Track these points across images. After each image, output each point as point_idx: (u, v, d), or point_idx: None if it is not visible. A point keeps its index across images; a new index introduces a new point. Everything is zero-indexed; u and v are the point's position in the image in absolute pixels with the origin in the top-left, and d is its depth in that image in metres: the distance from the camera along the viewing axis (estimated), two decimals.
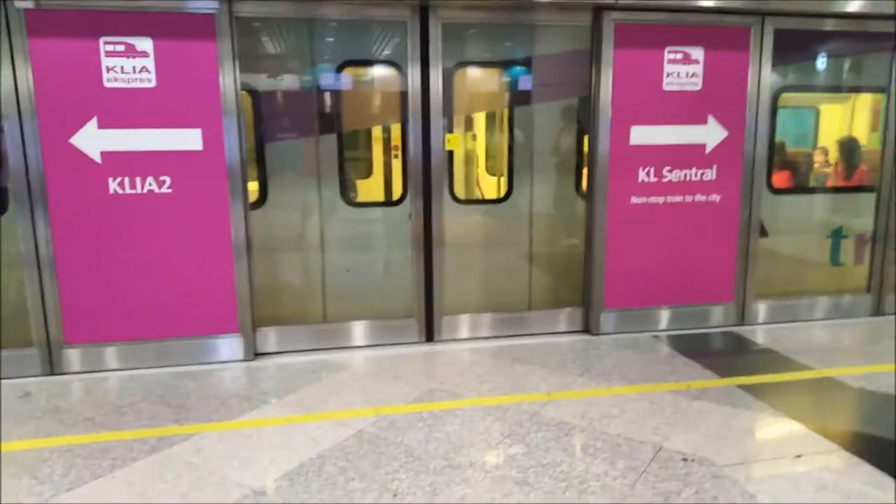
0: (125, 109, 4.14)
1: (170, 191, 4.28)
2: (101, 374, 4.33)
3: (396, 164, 5.13)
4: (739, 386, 4.11)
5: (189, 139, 4.25)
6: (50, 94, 4.04)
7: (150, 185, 4.25)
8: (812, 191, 5.83)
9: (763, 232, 5.37)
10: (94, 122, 4.11)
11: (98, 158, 4.15)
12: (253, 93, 4.60)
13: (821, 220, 5.69)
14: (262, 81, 4.66)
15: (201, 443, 3.39)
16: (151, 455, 3.26)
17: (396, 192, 5.04)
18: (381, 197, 5.50)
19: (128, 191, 4.22)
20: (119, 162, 4.19)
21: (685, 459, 3.21)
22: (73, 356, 4.35)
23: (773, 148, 5.32)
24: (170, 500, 2.87)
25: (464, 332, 5.06)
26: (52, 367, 4.33)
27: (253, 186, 4.64)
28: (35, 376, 4.29)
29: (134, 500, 2.87)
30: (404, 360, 4.65)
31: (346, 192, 4.97)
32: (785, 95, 5.35)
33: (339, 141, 4.85)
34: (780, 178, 5.62)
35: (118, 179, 4.20)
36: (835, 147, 5.85)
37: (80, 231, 4.21)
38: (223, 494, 2.91)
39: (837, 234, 5.64)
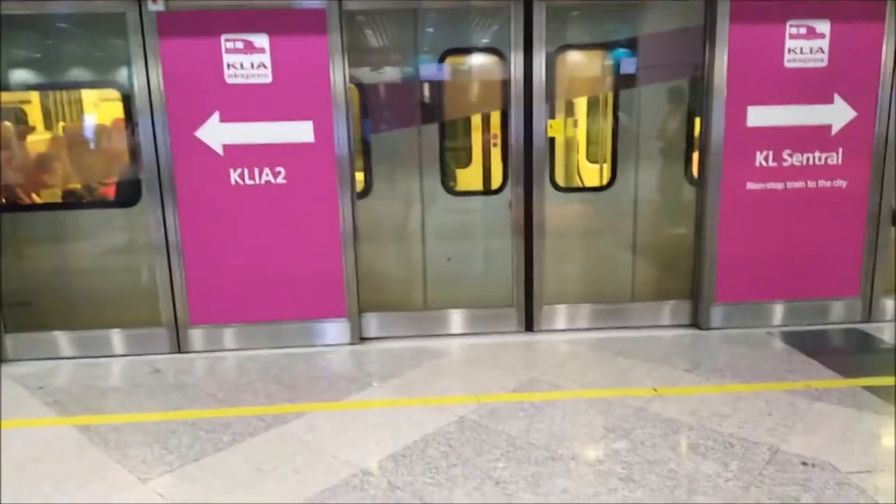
0: (245, 104, 4.38)
1: (284, 181, 4.50)
2: (221, 354, 4.65)
3: (496, 153, 5.13)
4: (865, 387, 3.82)
5: (302, 132, 4.44)
6: (178, 90, 4.34)
7: (266, 175, 4.48)
8: None
9: (895, 221, 4.92)
10: (216, 116, 4.38)
11: (220, 151, 4.43)
12: (359, 86, 4.72)
13: None
14: (367, 74, 4.78)
15: (312, 421, 3.57)
16: (267, 431, 3.47)
17: (496, 180, 5.04)
18: (480, 186, 5.51)
19: (247, 181, 4.47)
20: (239, 154, 4.44)
21: (805, 463, 3.02)
22: (196, 336, 4.68)
23: None
24: (284, 474, 3.04)
25: (563, 323, 4.99)
26: (178, 345, 4.69)
27: (358, 177, 4.79)
28: (163, 354, 4.66)
29: (252, 474, 3.06)
30: (503, 349, 4.66)
31: (447, 181, 5.01)
32: None
33: (440, 130, 4.90)
34: None
35: (238, 171, 4.46)
36: None
37: (204, 219, 4.52)
38: (333, 472, 3.05)
39: None
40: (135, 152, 4.51)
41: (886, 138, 4.72)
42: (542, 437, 3.34)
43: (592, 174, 5.91)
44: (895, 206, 4.87)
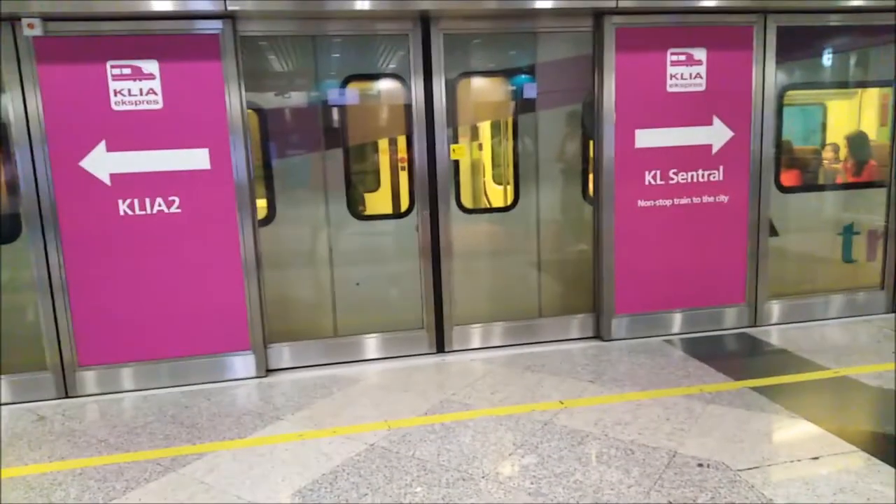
0: (133, 131, 4.19)
1: (179, 211, 4.32)
2: (115, 396, 4.36)
3: (403, 176, 5.15)
4: (753, 388, 4.07)
5: (197, 159, 4.29)
6: (59, 118, 4.11)
7: (159, 205, 4.29)
8: (821, 188, 5.78)
9: (773, 231, 5.32)
10: (102, 145, 4.16)
11: (108, 181, 4.20)
12: (259, 111, 4.64)
13: (831, 218, 5.63)
14: (268, 99, 4.70)
15: (214, 461, 3.40)
16: (165, 475, 3.27)
17: (404, 204, 5.06)
18: (389, 209, 5.51)
19: (138, 212, 4.27)
20: (128, 184, 4.23)
21: (700, 465, 3.17)
22: (87, 378, 4.38)
23: (781, 146, 5.29)
24: None
25: (475, 342, 5.05)
26: (66, 389, 4.37)
27: (261, 203, 4.68)
28: (50, 399, 4.33)
29: None
30: (416, 371, 4.64)
31: (354, 205, 4.98)
32: (791, 93, 5.32)
33: (345, 155, 4.88)
34: (789, 177, 5.58)
35: (128, 201, 4.24)
36: (843, 143, 5.80)
37: (91, 254, 4.26)
38: None
39: (849, 231, 5.58)
40: (12, 184, 4.20)
41: (761, 155, 5.12)
42: (453, 458, 3.33)
43: (499, 195, 6.04)
44: (771, 217, 5.27)
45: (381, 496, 3.01)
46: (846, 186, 5.75)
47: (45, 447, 3.66)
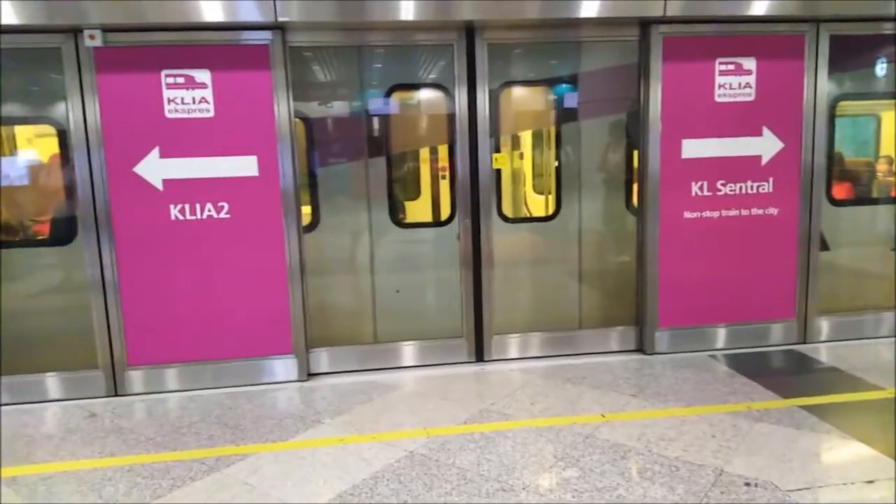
0: (185, 139, 4.32)
1: (228, 216, 4.42)
2: (161, 395, 4.48)
3: (444, 185, 5.17)
4: (803, 407, 3.95)
5: (246, 166, 4.40)
6: (115, 125, 4.26)
7: (209, 210, 4.40)
8: (875, 202, 5.59)
9: (824, 246, 5.16)
10: (156, 152, 4.30)
11: (160, 186, 4.33)
12: (306, 120, 4.72)
13: (885, 232, 5.43)
14: (313, 109, 4.78)
15: (257, 463, 3.46)
16: (209, 475, 3.34)
17: (445, 212, 5.08)
18: (429, 217, 5.53)
19: (188, 217, 4.39)
20: (180, 189, 4.36)
21: (748, 484, 3.09)
22: (135, 377, 4.51)
23: (832, 158, 5.14)
24: None
25: (514, 352, 5.02)
26: (115, 388, 4.50)
27: (306, 210, 4.75)
28: (100, 397, 4.46)
29: None
30: (454, 380, 4.64)
31: (396, 213, 5.03)
32: (843, 104, 5.17)
33: (388, 163, 4.92)
34: (841, 190, 5.41)
35: (179, 206, 4.37)
36: None
37: (143, 256, 4.39)
38: None
39: None
40: (70, 188, 4.37)
41: (813, 167, 4.98)
42: (493, 468, 3.32)
43: (540, 205, 6.01)
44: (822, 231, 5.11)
45: None
46: None
47: (96, 443, 3.78)
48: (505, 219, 4.99)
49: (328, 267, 4.89)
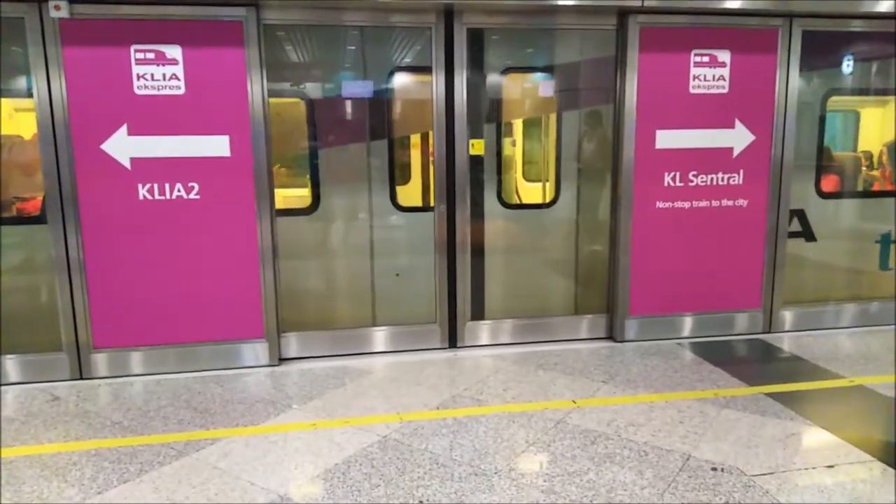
0: (155, 116, 4.20)
1: (198, 197, 4.33)
2: (128, 379, 4.39)
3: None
4: (768, 394, 4.04)
5: (217, 146, 4.30)
6: (82, 100, 4.12)
7: (178, 191, 4.30)
8: (861, 195, 5.76)
9: (810, 236, 5.28)
10: (124, 129, 4.17)
11: (128, 165, 4.22)
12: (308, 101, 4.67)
13: (867, 225, 5.57)
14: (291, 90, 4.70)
15: (227, 447, 3.42)
16: (178, 460, 3.29)
17: (416, 199, 5.05)
18: (413, 203, 5.47)
19: (157, 197, 4.28)
20: (148, 168, 4.25)
21: (715, 469, 3.16)
22: (101, 360, 4.40)
23: (822, 151, 5.31)
24: None
25: (487, 339, 5.04)
26: (80, 371, 4.39)
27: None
28: (64, 380, 4.35)
29: None
30: (427, 366, 4.64)
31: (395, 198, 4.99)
32: (834, 98, 5.28)
33: (381, 147, 4.88)
34: (829, 183, 5.55)
35: (147, 186, 4.26)
36: (881, 151, 5.76)
37: (109, 237, 4.28)
38: (250, 499, 2.92)
39: (886, 240, 5.52)
40: (36, 165, 4.22)
41: (782, 160, 5.08)
42: (466, 453, 3.33)
43: (529, 192, 6.03)
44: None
45: (393, 488, 3.01)
46: (884, 194, 5.69)
47: (60, 427, 3.69)
48: (505, 205, 5.02)
49: (299, 252, 4.82)
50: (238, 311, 4.53)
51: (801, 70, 5.00)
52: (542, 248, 5.26)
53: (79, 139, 4.14)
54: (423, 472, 3.15)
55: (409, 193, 5.47)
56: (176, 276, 4.40)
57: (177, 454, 3.34)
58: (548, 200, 5.27)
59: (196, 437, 3.53)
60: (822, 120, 5.25)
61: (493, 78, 5.00)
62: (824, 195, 5.38)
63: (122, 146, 4.19)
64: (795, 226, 5.29)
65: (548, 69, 5.18)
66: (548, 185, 5.33)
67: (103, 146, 4.17)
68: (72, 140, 4.13)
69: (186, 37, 4.17)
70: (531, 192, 5.80)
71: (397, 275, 4.96)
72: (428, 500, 2.90)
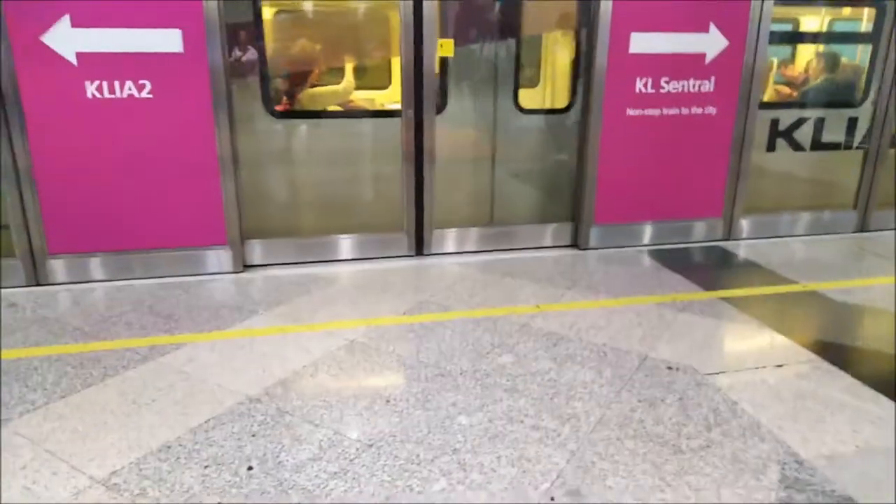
0: (100, 6, 3.88)
1: (150, 96, 4.09)
2: (87, 285, 4.30)
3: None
4: (724, 298, 4.18)
5: (168, 40, 4.02)
6: None
7: (129, 89, 4.05)
8: None
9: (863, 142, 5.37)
10: (66, 20, 3.86)
11: (74, 60, 3.93)
12: None
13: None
14: None
15: (193, 352, 3.41)
16: (143, 364, 3.28)
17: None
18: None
19: (107, 95, 4.03)
20: (96, 63, 3.97)
21: (670, 368, 3.29)
22: (57, 267, 4.29)
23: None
24: (163, 407, 2.90)
25: (453, 246, 5.04)
26: (36, 278, 4.28)
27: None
28: (19, 287, 4.25)
29: (127, 408, 2.90)
30: (394, 273, 4.65)
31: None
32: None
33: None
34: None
35: (96, 83, 4.00)
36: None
37: (58, 138, 4.05)
38: (217, 402, 2.94)
39: None
40: None
41: (753, 68, 5.01)
42: (432, 355, 3.40)
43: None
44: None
45: (361, 389, 3.06)
46: None
47: (18, 333, 3.62)
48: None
49: (258, 159, 4.67)
50: (199, 218, 4.42)
51: None
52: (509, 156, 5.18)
53: (15, 28, 3.82)
54: (390, 373, 3.20)
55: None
56: (131, 179, 4.23)
57: (141, 359, 3.33)
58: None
59: (161, 342, 3.51)
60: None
61: None
62: None
63: (66, 39, 3.89)
64: None
65: None
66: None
67: (44, 38, 3.86)
68: (7, 29, 3.81)
69: None
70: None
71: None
72: (395, 399, 2.97)
